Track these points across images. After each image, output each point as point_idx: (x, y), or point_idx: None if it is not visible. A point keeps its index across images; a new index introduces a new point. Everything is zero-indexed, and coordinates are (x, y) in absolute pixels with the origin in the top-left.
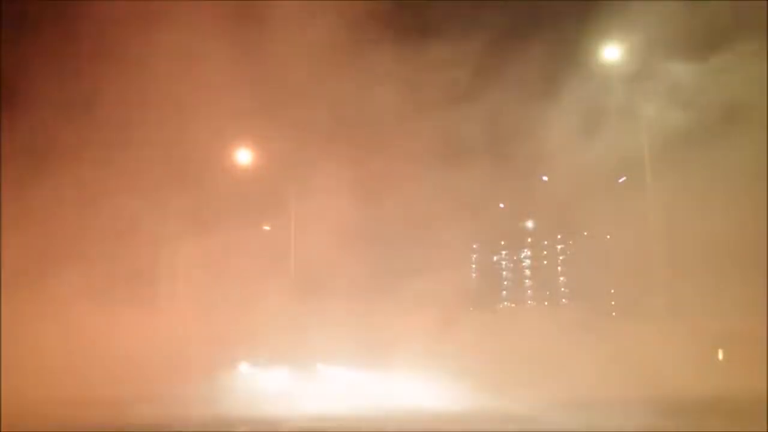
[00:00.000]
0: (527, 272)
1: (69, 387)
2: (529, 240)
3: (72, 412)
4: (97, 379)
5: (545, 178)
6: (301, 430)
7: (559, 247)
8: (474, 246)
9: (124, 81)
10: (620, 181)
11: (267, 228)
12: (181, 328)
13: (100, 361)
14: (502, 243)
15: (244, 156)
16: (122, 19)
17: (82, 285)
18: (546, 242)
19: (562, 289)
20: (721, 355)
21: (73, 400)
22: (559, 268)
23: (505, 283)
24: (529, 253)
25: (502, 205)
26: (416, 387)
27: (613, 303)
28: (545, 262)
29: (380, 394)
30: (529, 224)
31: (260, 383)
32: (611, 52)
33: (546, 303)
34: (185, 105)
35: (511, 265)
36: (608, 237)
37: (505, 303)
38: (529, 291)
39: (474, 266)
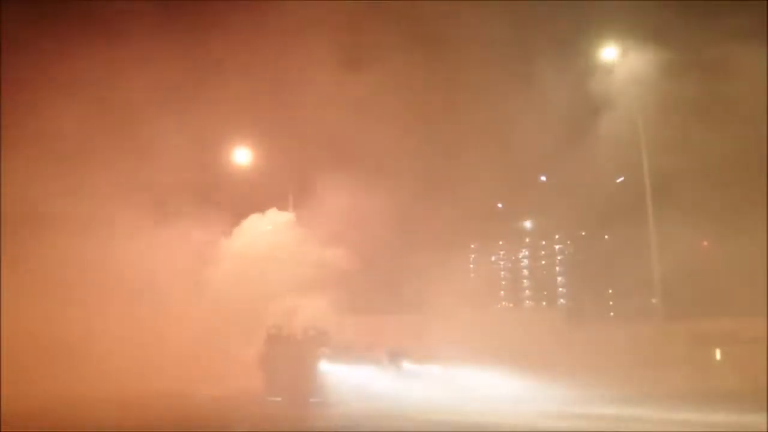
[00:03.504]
0: (525, 272)
1: (71, 387)
2: (527, 240)
3: (75, 412)
4: (102, 379)
5: (544, 178)
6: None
7: (557, 247)
8: (472, 246)
9: (132, 83)
10: (618, 180)
11: (269, 228)
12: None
13: (112, 359)
14: (500, 243)
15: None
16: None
17: (84, 284)
18: (544, 242)
19: (560, 289)
20: (719, 355)
21: (76, 399)
22: (557, 268)
23: (503, 283)
24: (527, 252)
25: (500, 205)
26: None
27: (611, 303)
28: (543, 262)
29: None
30: (527, 224)
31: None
32: (610, 52)
33: (544, 303)
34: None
35: (509, 264)
36: (606, 237)
37: (503, 303)
38: (527, 291)
39: (472, 266)
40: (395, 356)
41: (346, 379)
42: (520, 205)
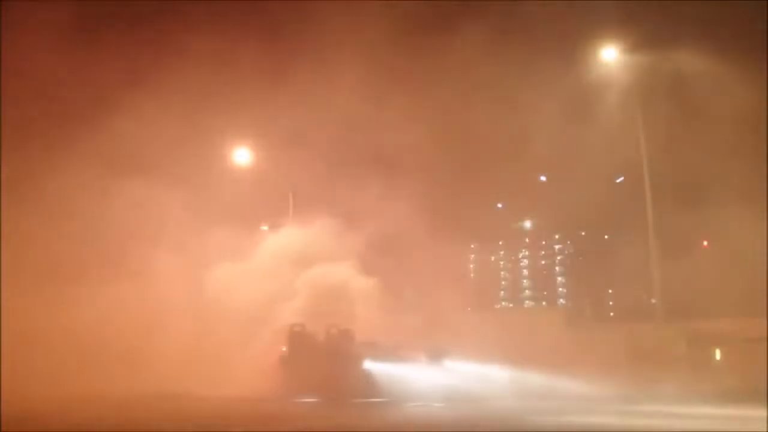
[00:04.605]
0: (525, 272)
1: (71, 387)
2: (527, 240)
3: (75, 412)
4: (104, 379)
5: (543, 178)
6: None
7: (557, 247)
8: (472, 246)
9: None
10: (618, 180)
11: (265, 228)
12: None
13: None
14: (500, 243)
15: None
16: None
17: (84, 284)
18: (544, 242)
19: (560, 289)
20: (719, 355)
21: (76, 399)
22: (557, 268)
23: (503, 282)
24: (527, 252)
25: (500, 205)
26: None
27: (610, 303)
28: (543, 262)
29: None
30: (527, 224)
31: None
32: (611, 52)
33: (544, 303)
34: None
35: (509, 264)
36: (606, 237)
37: (503, 303)
38: (527, 291)
39: (472, 266)
40: (436, 354)
41: (384, 378)
42: (520, 205)
